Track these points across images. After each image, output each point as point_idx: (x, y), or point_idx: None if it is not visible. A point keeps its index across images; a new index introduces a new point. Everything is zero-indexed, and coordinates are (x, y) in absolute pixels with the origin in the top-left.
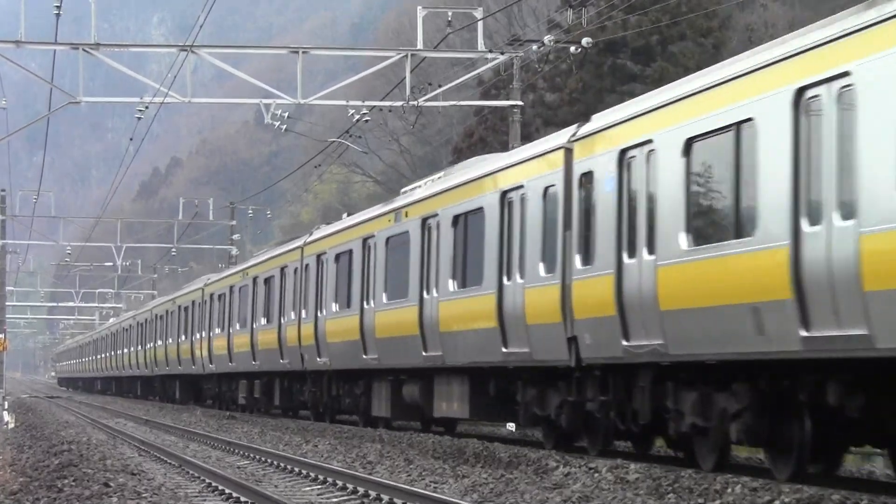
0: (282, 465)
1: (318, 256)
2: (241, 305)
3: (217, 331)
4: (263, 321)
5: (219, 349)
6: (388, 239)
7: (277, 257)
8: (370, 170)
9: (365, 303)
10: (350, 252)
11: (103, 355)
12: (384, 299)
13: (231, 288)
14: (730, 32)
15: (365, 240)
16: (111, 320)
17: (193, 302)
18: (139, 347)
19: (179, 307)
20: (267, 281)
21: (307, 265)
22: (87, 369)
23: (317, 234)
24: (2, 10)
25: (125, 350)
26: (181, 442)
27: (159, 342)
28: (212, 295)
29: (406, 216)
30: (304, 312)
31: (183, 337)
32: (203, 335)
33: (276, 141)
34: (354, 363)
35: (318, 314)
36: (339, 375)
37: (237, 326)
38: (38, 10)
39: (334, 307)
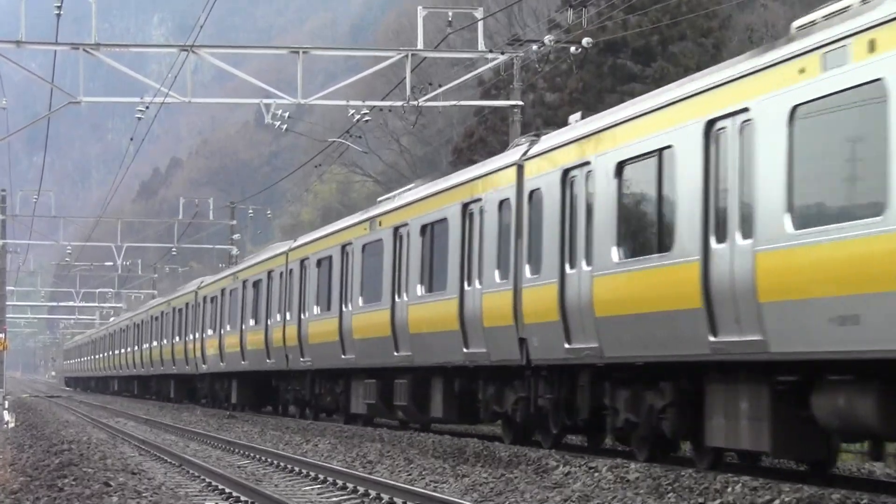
0: (282, 464)
1: (566, 174)
2: (366, 271)
3: (316, 310)
4: (420, 291)
5: (318, 336)
6: (794, 109)
7: (454, 190)
8: (370, 170)
9: (715, 240)
10: (661, 155)
11: (123, 350)
12: (791, 226)
13: (344, 248)
14: (730, 32)
15: (711, 123)
16: (122, 316)
17: (270, 273)
18: (176, 340)
19: (244, 283)
20: (428, 229)
21: (534, 192)
22: (101, 367)
23: (549, 141)
24: (2, 10)
25: (154, 344)
26: (181, 441)
27: (209, 332)
28: (303, 262)
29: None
30: (527, 270)
31: (252, 321)
32: (284, 319)
33: (277, 141)
34: (684, 348)
35: (567, 270)
36: (614, 371)
37: (358, 302)
38: (39, 11)
39: (615, 255)
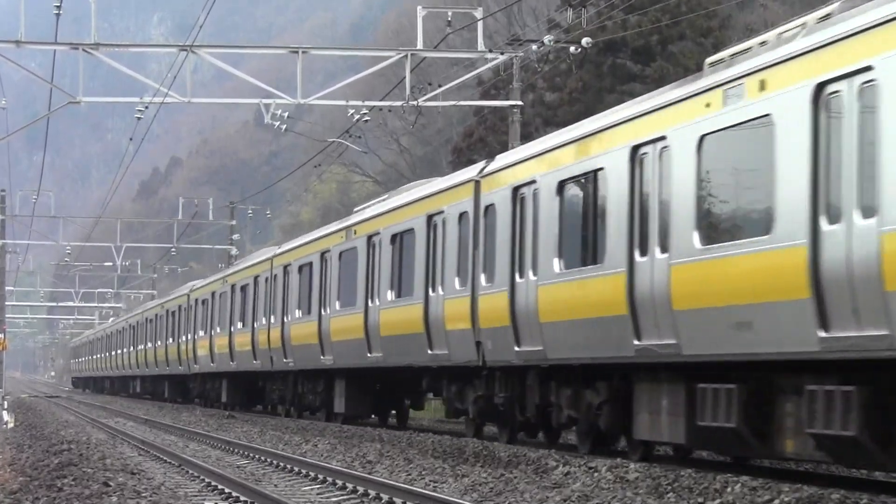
0: (281, 464)
1: None
2: (712, 181)
3: (557, 266)
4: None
5: (571, 309)
6: None
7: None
8: (370, 170)
9: None
10: None
11: (152, 345)
12: None
13: (635, 152)
14: (730, 32)
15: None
16: (148, 304)
17: (462, 214)
18: (238, 326)
19: (355, 248)
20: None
21: None
22: (119, 365)
23: None
24: (2, 10)
25: (200, 334)
26: (181, 441)
27: (297, 313)
28: (517, 191)
29: None
30: None
31: (377, 299)
32: (474, 287)
33: (276, 141)
34: None
35: None
36: None
37: (676, 245)
38: (38, 10)
39: None
